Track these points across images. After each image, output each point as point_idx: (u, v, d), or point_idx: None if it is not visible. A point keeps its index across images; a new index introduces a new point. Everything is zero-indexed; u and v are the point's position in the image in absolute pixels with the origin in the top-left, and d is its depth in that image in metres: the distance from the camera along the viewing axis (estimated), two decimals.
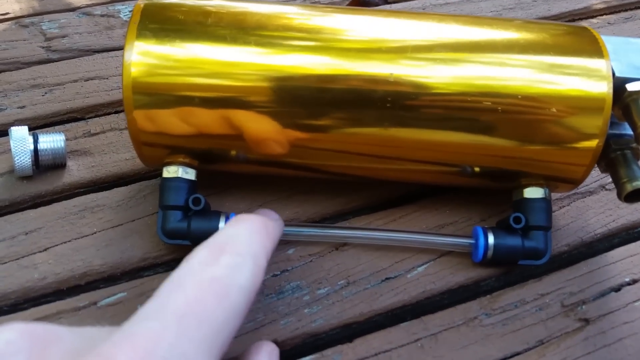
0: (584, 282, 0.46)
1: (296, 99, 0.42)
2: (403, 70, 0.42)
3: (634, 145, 0.44)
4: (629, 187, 0.42)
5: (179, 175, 0.45)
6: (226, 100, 0.42)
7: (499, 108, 0.42)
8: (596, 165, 0.46)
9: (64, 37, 0.63)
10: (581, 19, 0.72)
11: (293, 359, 0.41)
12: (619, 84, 0.43)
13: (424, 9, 0.70)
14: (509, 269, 0.46)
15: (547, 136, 0.43)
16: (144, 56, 0.41)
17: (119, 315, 0.42)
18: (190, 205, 0.44)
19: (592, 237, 0.49)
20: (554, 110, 0.42)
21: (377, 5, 0.70)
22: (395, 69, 0.42)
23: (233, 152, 0.44)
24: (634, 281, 0.46)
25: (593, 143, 0.43)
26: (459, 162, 0.44)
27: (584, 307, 0.45)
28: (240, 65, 0.41)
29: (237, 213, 0.47)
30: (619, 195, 0.43)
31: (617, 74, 0.43)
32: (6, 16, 0.66)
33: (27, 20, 0.65)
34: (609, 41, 0.45)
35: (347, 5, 0.69)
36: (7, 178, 0.50)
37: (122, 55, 0.41)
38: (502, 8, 0.71)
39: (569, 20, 0.72)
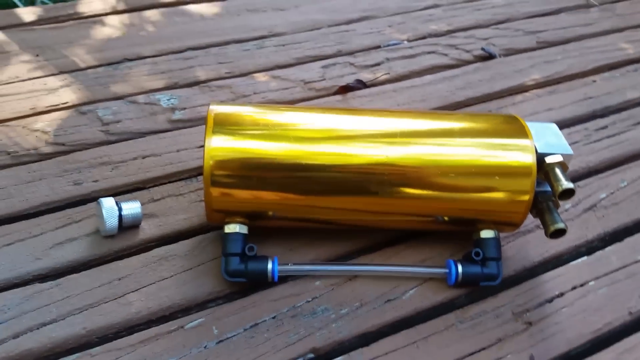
0: (527, 297, 0.65)
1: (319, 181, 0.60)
2: (385, 153, 0.61)
3: (554, 198, 0.63)
4: (552, 228, 0.62)
5: (237, 231, 0.62)
6: (278, 184, 0.59)
7: (455, 178, 0.61)
8: (530, 213, 0.66)
9: (118, 122, 0.80)
10: (517, 93, 0.93)
11: None
12: (540, 157, 0.62)
13: (395, 92, 0.89)
14: (474, 289, 0.65)
15: (493, 195, 0.62)
16: (220, 147, 0.58)
17: (200, 335, 0.58)
18: (247, 252, 0.61)
19: (532, 263, 0.68)
20: (497, 177, 0.61)
21: (359, 89, 0.89)
22: (383, 151, 0.61)
23: (276, 214, 0.62)
24: (562, 294, 0.65)
25: (525, 197, 0.62)
26: (433, 214, 0.63)
27: (528, 314, 0.63)
28: (286, 157, 0.59)
29: (276, 255, 0.65)
30: (546, 234, 0.63)
31: (538, 150, 0.62)
32: (66, 104, 0.82)
33: (84, 108, 0.81)
34: (532, 126, 0.65)
35: (337, 91, 0.88)
36: (93, 238, 0.66)
37: (204, 145, 0.58)
38: (455, 88, 0.92)
39: (508, 95, 0.93)
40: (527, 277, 0.67)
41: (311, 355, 0.58)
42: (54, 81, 0.85)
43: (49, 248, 0.64)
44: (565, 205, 0.75)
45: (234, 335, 0.59)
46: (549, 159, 0.62)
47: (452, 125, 0.64)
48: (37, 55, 0.89)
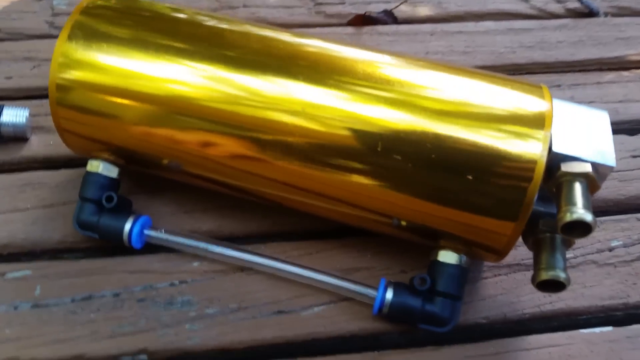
0: None
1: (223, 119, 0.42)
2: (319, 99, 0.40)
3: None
4: (543, 276, 0.38)
5: (99, 171, 0.46)
6: (150, 118, 0.42)
7: (406, 160, 0.39)
8: (524, 241, 0.42)
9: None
10: (610, 70, 0.65)
11: None
12: (555, 160, 0.39)
13: (432, 35, 0.66)
14: (411, 330, 0.44)
15: (468, 200, 0.39)
16: (70, 57, 0.42)
17: (18, 290, 0.45)
18: (103, 202, 0.45)
19: (520, 315, 0.45)
20: (477, 173, 0.39)
21: (384, 23, 0.67)
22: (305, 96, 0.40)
23: (162, 161, 0.45)
24: None
25: (514, 215, 0.39)
26: (381, 210, 0.42)
27: None
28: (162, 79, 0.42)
29: (160, 217, 0.48)
30: (533, 281, 0.39)
31: (554, 148, 0.39)
32: None
33: None
34: (562, 109, 0.41)
35: (350, 21, 0.66)
36: None
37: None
38: (519, 45, 0.66)
39: (596, 69, 0.65)
40: (502, 333, 0.45)
41: (143, 357, 0.42)
42: None
43: None
44: (612, 241, 0.50)
45: (56, 305, 0.44)
46: (567, 166, 0.38)
47: (428, 78, 0.41)
48: None
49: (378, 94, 0.40)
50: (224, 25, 0.44)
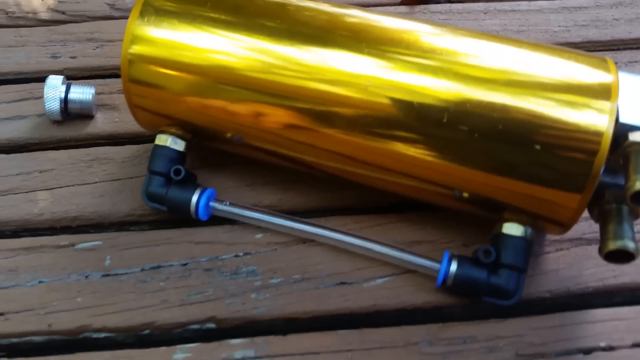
0: (551, 335, 0.42)
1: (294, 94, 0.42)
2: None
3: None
4: (609, 246, 0.38)
5: (168, 145, 0.47)
6: (218, 93, 0.43)
7: (470, 135, 0.40)
8: (589, 213, 0.42)
9: None
10: None
11: (225, 339, 0.42)
12: (622, 131, 0.38)
13: (485, 13, 0.66)
14: (475, 302, 0.44)
15: (534, 172, 0.39)
16: (144, 32, 0.44)
17: (89, 260, 0.46)
18: (172, 174, 0.46)
19: (583, 289, 0.45)
20: (543, 145, 0.39)
21: (437, 2, 0.67)
22: (370, 70, 0.41)
23: (227, 134, 0.46)
24: (610, 348, 0.42)
25: (580, 186, 0.39)
26: (444, 183, 0.42)
27: None
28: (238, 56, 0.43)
29: (223, 189, 0.50)
30: (600, 251, 0.39)
31: (622, 119, 0.38)
32: None
33: None
34: (629, 81, 0.40)
35: (403, 0, 0.66)
36: (43, 120, 0.56)
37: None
38: (574, 23, 0.65)
39: None
40: (565, 306, 0.44)
41: (211, 325, 0.43)
42: None
43: None
44: None
45: (126, 273, 0.46)
46: (635, 136, 0.38)
47: (494, 51, 0.41)
48: None
49: (443, 66, 0.40)
50: (290, 3, 0.45)
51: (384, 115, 0.41)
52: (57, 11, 0.66)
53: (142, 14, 0.44)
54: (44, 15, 0.66)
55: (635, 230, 0.39)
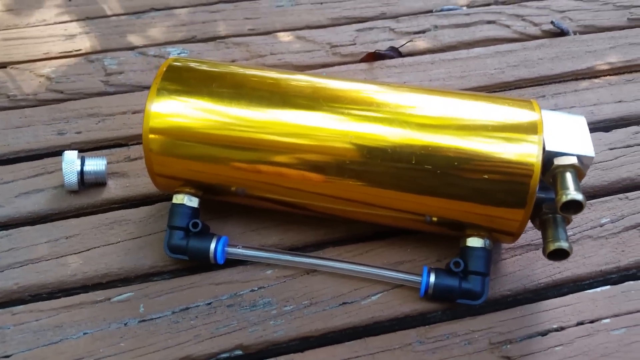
0: (514, 325, 0.53)
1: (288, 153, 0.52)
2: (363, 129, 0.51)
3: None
4: (550, 247, 0.49)
5: (184, 203, 0.56)
6: (224, 157, 0.52)
7: (434, 170, 0.50)
8: (532, 223, 0.53)
9: (120, 73, 0.76)
10: (584, 78, 0.77)
11: None
12: (549, 156, 0.50)
13: (432, 63, 0.77)
14: (452, 306, 0.54)
15: (485, 196, 0.50)
16: (160, 110, 0.52)
17: (125, 309, 0.54)
18: (190, 228, 0.55)
19: (536, 285, 0.56)
20: (486, 175, 0.49)
21: (391, 57, 0.78)
22: (348, 127, 0.51)
23: (232, 189, 0.55)
24: (562, 328, 0.53)
25: (523, 203, 0.50)
26: (407, 210, 0.53)
27: (509, 346, 0.51)
28: (243, 123, 0.52)
29: (232, 235, 0.58)
30: (544, 252, 0.50)
31: (547, 147, 0.49)
32: (79, 52, 0.80)
33: (93, 57, 0.78)
34: (549, 117, 0.52)
35: (363, 58, 0.78)
36: (59, 191, 0.63)
37: (144, 106, 0.53)
38: (507, 65, 0.78)
39: (572, 79, 0.77)
40: (523, 300, 0.55)
41: (239, 352, 0.52)
42: (75, 27, 0.83)
43: (15, 196, 0.63)
44: (601, 218, 0.61)
45: (159, 317, 0.53)
46: (559, 160, 0.49)
47: (445, 104, 0.52)
48: (70, 0, 0.88)
49: (409, 119, 0.51)
50: (278, 76, 0.55)
51: (365, 160, 0.51)
52: (55, 91, 0.74)
53: (160, 91, 0.53)
54: (43, 95, 0.73)
55: (568, 233, 0.51)
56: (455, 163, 0.50)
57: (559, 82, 0.76)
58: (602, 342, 0.51)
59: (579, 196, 0.46)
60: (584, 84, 0.76)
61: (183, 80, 0.54)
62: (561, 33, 0.83)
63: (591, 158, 0.49)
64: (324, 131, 0.51)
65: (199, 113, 0.52)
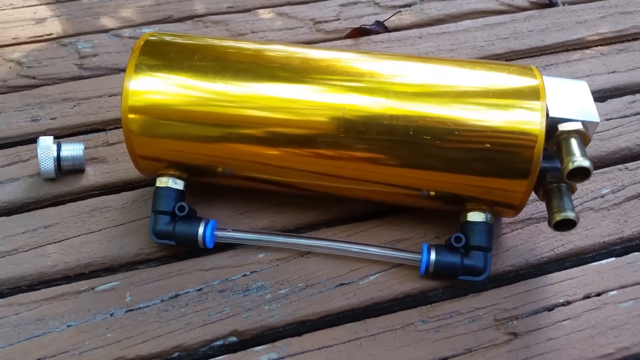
0: (520, 300, 0.51)
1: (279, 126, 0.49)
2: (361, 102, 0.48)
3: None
4: (556, 217, 0.47)
5: (169, 185, 0.53)
6: (209, 134, 0.49)
7: (432, 142, 0.48)
8: (536, 194, 0.51)
9: (95, 56, 0.73)
10: (575, 49, 0.75)
11: (250, 347, 0.48)
12: (552, 123, 0.47)
13: (420, 37, 0.75)
14: (453, 283, 0.52)
15: (484, 166, 0.48)
16: (139, 88, 0.49)
17: (111, 299, 0.51)
18: (176, 211, 0.52)
19: (539, 259, 0.54)
20: (492, 144, 0.47)
21: (377, 33, 0.75)
22: (341, 99, 0.48)
23: (219, 169, 0.52)
24: (568, 302, 0.51)
25: (526, 173, 0.47)
26: (404, 185, 0.50)
27: (514, 322, 0.49)
28: (223, 98, 0.49)
29: (220, 219, 0.55)
30: (549, 224, 0.48)
31: (551, 114, 0.47)
32: (50, 36, 0.76)
33: (66, 40, 0.75)
34: (551, 83, 0.50)
35: (348, 34, 0.75)
36: (35, 179, 0.60)
37: (122, 85, 0.49)
38: (496, 37, 0.75)
39: (563, 50, 0.75)
40: (527, 275, 0.53)
41: (233, 339, 0.49)
42: (45, 11, 0.79)
43: None
44: (602, 189, 0.59)
45: (147, 306, 0.50)
46: (563, 126, 0.47)
47: (442, 72, 0.50)
48: None
49: (406, 90, 0.48)
50: (263, 47, 0.52)
51: (359, 134, 0.48)
52: (27, 77, 0.70)
53: (137, 70, 0.49)
54: (15, 82, 0.70)
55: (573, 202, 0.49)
56: (455, 133, 0.48)
57: (550, 53, 0.75)
58: (610, 315, 0.50)
59: (586, 162, 0.44)
60: (576, 55, 0.74)
61: (162, 55, 0.50)
62: (550, 4, 0.81)
63: (596, 124, 0.48)
64: (315, 104, 0.49)
65: (181, 89, 0.49)
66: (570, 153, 0.45)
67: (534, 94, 0.48)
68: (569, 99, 0.49)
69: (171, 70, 0.50)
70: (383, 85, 0.49)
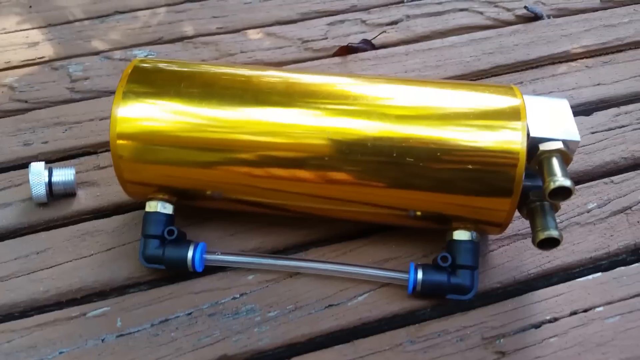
0: (507, 318, 0.51)
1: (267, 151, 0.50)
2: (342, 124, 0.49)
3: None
4: (540, 236, 0.48)
5: (158, 210, 0.53)
6: (196, 159, 0.50)
7: (416, 163, 0.48)
8: (520, 213, 0.52)
9: (86, 79, 0.73)
10: (560, 62, 0.76)
11: None
12: (533, 143, 0.48)
13: (406, 54, 0.76)
14: (441, 302, 0.52)
15: (468, 186, 0.48)
16: (128, 115, 0.50)
17: (102, 324, 0.51)
18: (166, 235, 0.52)
19: (526, 275, 0.54)
20: (470, 165, 0.48)
21: (364, 50, 0.76)
22: (324, 122, 0.49)
23: (208, 193, 0.52)
24: (555, 319, 0.51)
25: (509, 192, 0.48)
26: (390, 205, 0.51)
27: (502, 340, 0.50)
28: (212, 124, 0.50)
29: (210, 241, 0.56)
30: (533, 242, 0.49)
31: (532, 134, 0.48)
32: (42, 59, 0.77)
33: (57, 63, 0.76)
34: (532, 102, 0.50)
35: (336, 52, 0.76)
36: (27, 204, 0.60)
37: (111, 112, 0.50)
38: (482, 52, 0.76)
39: (549, 64, 0.76)
40: (514, 292, 0.54)
41: None
42: (37, 34, 0.80)
43: None
44: (587, 204, 0.60)
45: (138, 331, 0.51)
46: (544, 146, 0.48)
47: (424, 94, 0.51)
48: (30, 7, 0.85)
49: (388, 112, 0.49)
50: (249, 72, 0.52)
51: (344, 157, 0.49)
52: (19, 100, 0.71)
53: (125, 96, 0.50)
54: (7, 106, 0.70)
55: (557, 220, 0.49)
56: (438, 154, 0.48)
57: (536, 67, 0.75)
58: (597, 331, 0.50)
59: (567, 182, 0.45)
60: (562, 68, 0.75)
61: (150, 82, 0.51)
62: (535, 17, 0.82)
63: (577, 142, 0.48)
64: (300, 128, 0.49)
65: (169, 115, 0.50)
66: (551, 173, 0.46)
67: (515, 114, 0.49)
68: (550, 117, 0.50)
69: (159, 96, 0.50)
70: (367, 107, 0.50)
